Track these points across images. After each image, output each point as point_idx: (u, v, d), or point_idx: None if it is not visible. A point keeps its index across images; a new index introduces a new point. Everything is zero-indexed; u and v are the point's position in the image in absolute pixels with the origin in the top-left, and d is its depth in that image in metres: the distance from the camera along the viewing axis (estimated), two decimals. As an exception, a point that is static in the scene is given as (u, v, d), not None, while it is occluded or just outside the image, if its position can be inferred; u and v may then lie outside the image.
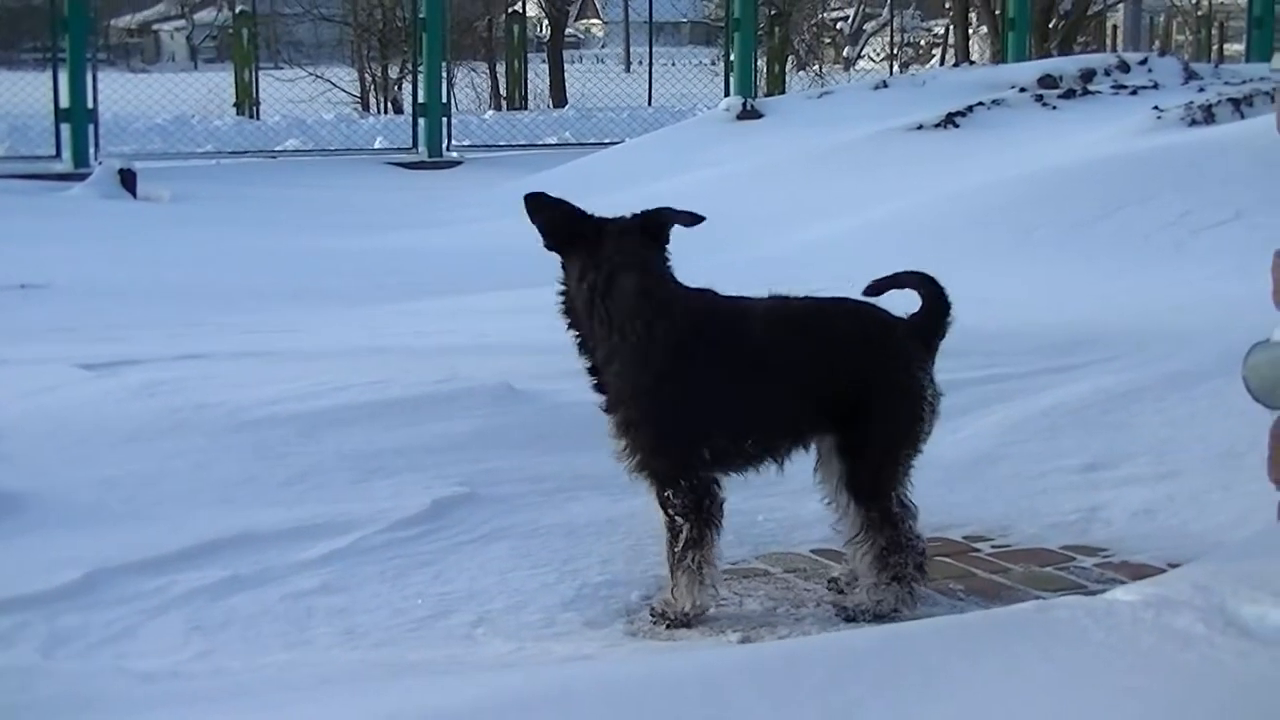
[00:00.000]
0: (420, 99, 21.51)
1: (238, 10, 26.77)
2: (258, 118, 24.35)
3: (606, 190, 15.60)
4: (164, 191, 16.84)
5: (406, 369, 7.16)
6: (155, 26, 62.05)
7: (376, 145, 22.13)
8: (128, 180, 17.01)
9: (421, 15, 21.40)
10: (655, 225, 4.98)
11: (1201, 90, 17.22)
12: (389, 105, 29.66)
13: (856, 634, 4.56)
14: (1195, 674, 3.69)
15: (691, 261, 11.57)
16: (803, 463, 6.26)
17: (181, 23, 58.58)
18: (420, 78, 21.69)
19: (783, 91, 25.81)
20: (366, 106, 30.05)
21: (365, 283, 11.17)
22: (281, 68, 30.95)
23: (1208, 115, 14.65)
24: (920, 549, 4.90)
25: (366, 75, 30.65)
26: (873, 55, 43.63)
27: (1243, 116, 14.43)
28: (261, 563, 5.18)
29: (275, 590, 5.00)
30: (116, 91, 23.23)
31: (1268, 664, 3.73)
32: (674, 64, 34.11)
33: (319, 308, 9.98)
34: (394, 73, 29.55)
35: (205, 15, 52.19)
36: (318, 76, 29.86)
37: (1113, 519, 5.69)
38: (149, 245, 13.09)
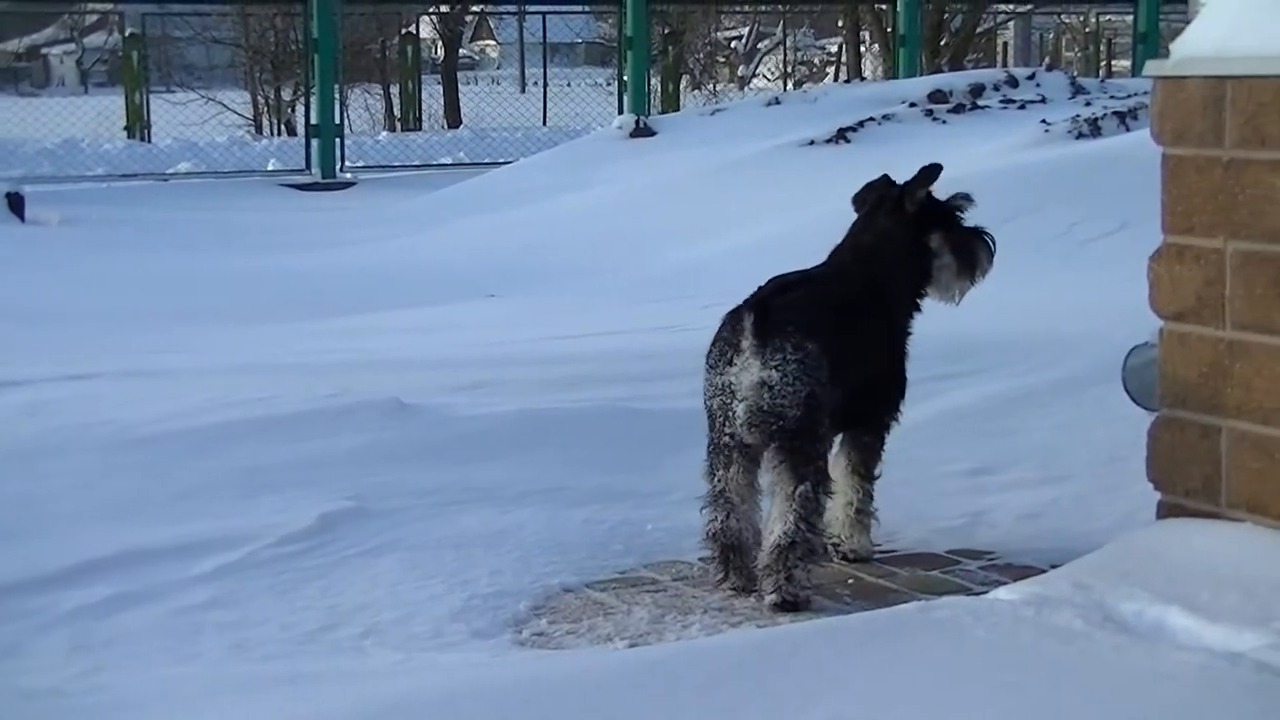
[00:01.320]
0: (313, 120, 21.43)
1: (128, 33, 26.57)
2: (149, 141, 24.17)
3: (500, 208, 15.64)
4: (53, 215, 16.68)
5: (296, 385, 7.13)
6: (44, 50, 61.44)
7: (270, 167, 22.02)
8: (15, 204, 16.82)
9: (314, 37, 21.33)
10: None
11: (1088, 104, 17.41)
12: (282, 127, 29.52)
13: (738, 636, 4.60)
14: (1072, 668, 3.75)
15: (586, 280, 11.61)
16: (692, 471, 6.32)
17: (71, 46, 58.05)
18: (313, 99, 21.61)
19: (677, 110, 25.88)
20: (260, 129, 29.90)
21: (257, 303, 11.11)
22: (174, 91, 30.70)
23: (1094, 128, 14.83)
24: None
25: (259, 97, 30.50)
26: (767, 74, 43.85)
27: (1128, 129, 14.61)
28: (149, 579, 5.15)
29: (163, 606, 4.97)
30: (4, 115, 23.01)
31: (1142, 657, 3.80)
32: (569, 84, 34.18)
33: (209, 328, 9.92)
34: (287, 95, 29.41)
35: (95, 39, 51.69)
36: (210, 99, 29.67)
37: (998, 522, 5.75)
38: (37, 268, 12.96)
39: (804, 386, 4.94)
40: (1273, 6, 4.58)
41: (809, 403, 4.95)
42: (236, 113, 29.89)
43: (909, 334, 5.58)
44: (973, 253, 5.68)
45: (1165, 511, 4.95)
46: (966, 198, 5.64)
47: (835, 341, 5.05)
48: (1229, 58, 4.64)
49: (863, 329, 5.29)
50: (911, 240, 5.60)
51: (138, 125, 24.58)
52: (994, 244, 5.75)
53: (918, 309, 5.61)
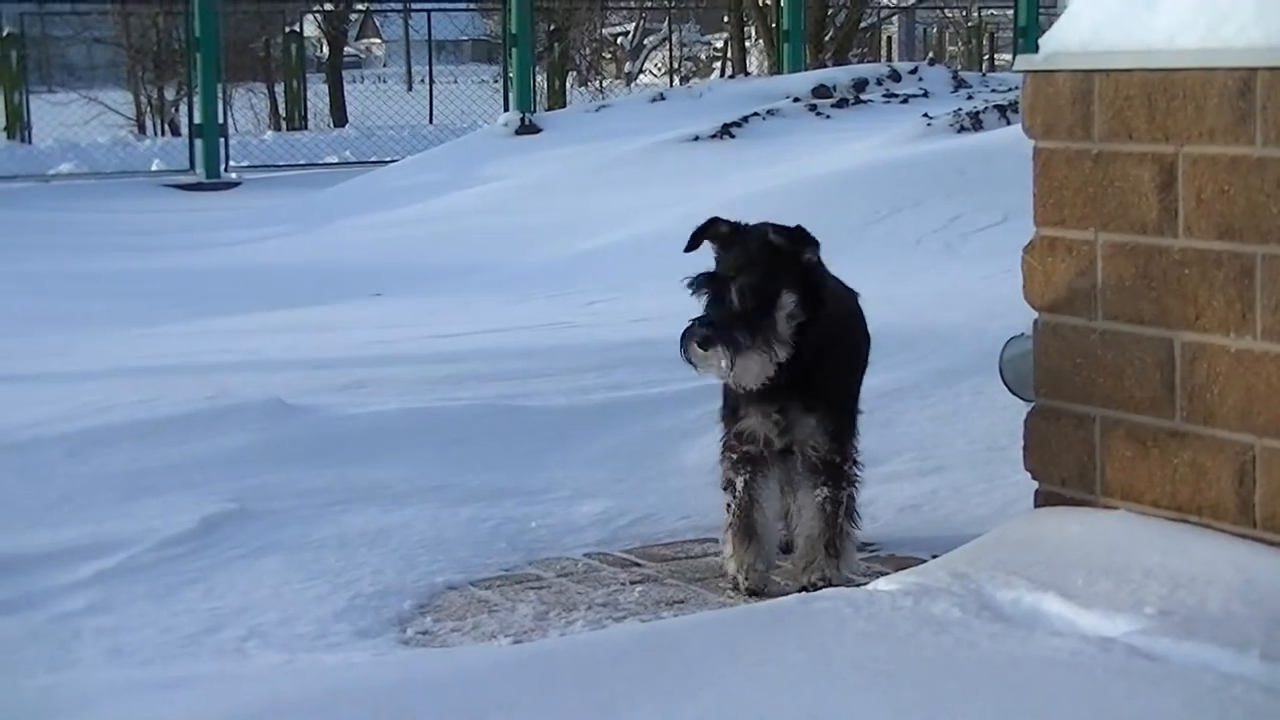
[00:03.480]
0: (196, 120, 21.26)
1: (5, 33, 26.23)
2: (29, 142, 23.90)
3: (386, 207, 15.59)
4: (-69, 217, 16.46)
5: (176, 387, 7.08)
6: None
7: (154, 168, 21.80)
8: (-107, 207, 16.60)
9: (196, 35, 21.15)
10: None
11: (970, 98, 17.60)
12: (166, 127, 29.24)
13: (619, 630, 4.62)
14: (948, 656, 3.79)
15: (470, 277, 11.58)
16: (575, 468, 6.34)
17: (-50, 47, 57.22)
18: (196, 99, 21.43)
19: (564, 106, 25.87)
20: (143, 129, 29.60)
21: (137, 305, 11.02)
22: (54, 91, 30.35)
23: (975, 122, 14.98)
24: None
25: (142, 97, 30.19)
26: (654, 70, 43.89)
27: (1009, 123, 14.75)
28: (25, 586, 5.09)
29: (40, 613, 4.92)
30: (-119, 117, 22.67)
31: (1018, 644, 3.85)
32: (456, 81, 34.06)
33: (88, 331, 9.81)
34: (170, 94, 29.13)
35: (-26, 39, 50.98)
36: (92, 99, 29.34)
37: (879, 514, 5.79)
38: (-90, 272, 12.80)
39: None
40: (1137, 2, 4.65)
41: None
42: (119, 113, 29.58)
43: None
44: None
45: (1041, 500, 5.01)
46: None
47: None
48: (1096, 52, 4.71)
49: None
50: None
51: (17, 126, 24.29)
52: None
53: None
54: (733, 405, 5.16)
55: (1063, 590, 4.17)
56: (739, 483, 5.15)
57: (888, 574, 4.62)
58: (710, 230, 5.02)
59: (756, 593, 5.07)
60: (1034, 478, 5.06)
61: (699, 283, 4.92)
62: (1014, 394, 5.22)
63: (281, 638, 4.76)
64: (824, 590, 4.55)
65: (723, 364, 4.83)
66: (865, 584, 4.59)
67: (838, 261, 5.74)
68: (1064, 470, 4.92)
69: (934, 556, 4.76)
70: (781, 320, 4.90)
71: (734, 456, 5.16)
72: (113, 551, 5.37)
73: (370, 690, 3.65)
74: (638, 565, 5.41)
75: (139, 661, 4.56)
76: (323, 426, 6.60)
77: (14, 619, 4.87)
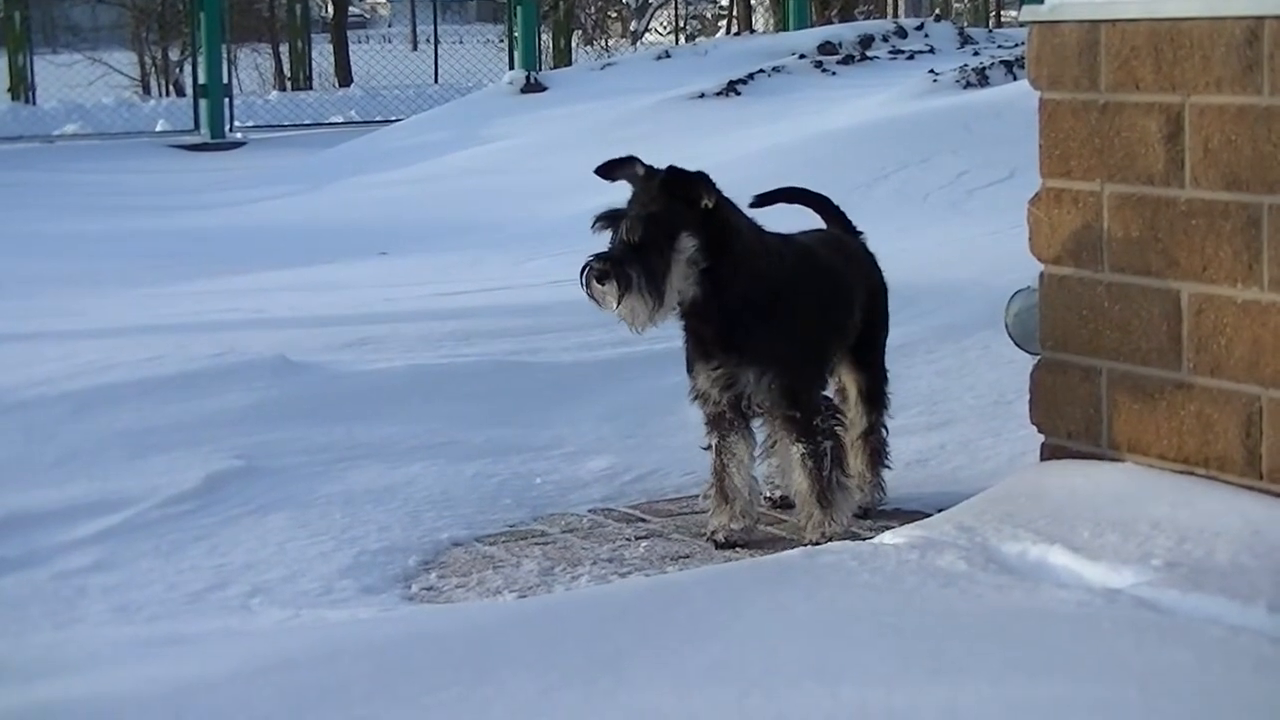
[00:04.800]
0: (201, 81, 21.20)
1: (10, -6, 26.15)
2: (34, 103, 23.82)
3: (391, 166, 15.54)
4: (-64, 178, 16.44)
5: (181, 345, 7.07)
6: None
7: (158, 128, 21.73)
8: (-102, 168, 16.57)
9: (200, -5, 21.08)
10: None
11: (976, 54, 17.52)
12: (171, 88, 29.14)
13: (624, 585, 4.61)
14: (954, 609, 3.79)
15: (476, 236, 11.55)
16: (581, 424, 6.33)
17: (-47, 9, 57.11)
18: (200, 59, 21.37)
19: (569, 65, 25.78)
20: (147, 89, 29.50)
21: (144, 265, 10.98)
22: (59, 52, 30.24)
23: (981, 78, 14.90)
24: None
25: (146, 58, 30.10)
26: (659, 29, 43.71)
27: (1015, 78, 14.68)
28: (31, 544, 5.10)
29: (45, 570, 4.93)
30: (-114, 79, 22.62)
31: (1023, 596, 3.84)
32: (461, 41, 33.90)
33: (96, 290, 9.79)
34: (175, 55, 29.03)
35: (-22, 1, 50.88)
36: (96, 60, 29.25)
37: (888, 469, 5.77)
38: (-82, 232, 12.77)
39: None
40: (1144, -50, 4.62)
41: None
42: (123, 74, 29.50)
43: None
44: None
45: (1048, 453, 5.00)
46: None
47: None
48: (1102, 2, 4.67)
49: None
50: None
51: (21, 87, 24.20)
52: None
53: None
54: (688, 364, 5.16)
55: (1069, 543, 4.17)
56: (713, 444, 5.17)
57: (894, 527, 4.61)
58: (627, 168, 4.98)
59: (732, 547, 5.09)
60: (1040, 431, 5.05)
61: (601, 219, 4.89)
62: (1020, 348, 5.20)
63: (286, 594, 4.76)
64: (829, 544, 4.54)
65: (611, 300, 4.81)
66: (871, 538, 4.58)
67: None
68: (1070, 423, 4.91)
69: (940, 510, 4.75)
70: (679, 263, 4.87)
71: (704, 418, 5.17)
72: (118, 509, 5.37)
73: (375, 645, 3.65)
74: (643, 520, 5.40)
75: (144, 619, 4.56)
76: (328, 384, 6.59)
77: (19, 576, 4.88)
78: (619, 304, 4.81)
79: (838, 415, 5.16)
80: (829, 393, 5.33)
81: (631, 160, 4.98)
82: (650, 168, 4.95)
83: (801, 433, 5.04)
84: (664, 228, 4.84)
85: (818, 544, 4.82)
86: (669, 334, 5.48)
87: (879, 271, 5.56)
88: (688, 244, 4.87)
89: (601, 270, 4.79)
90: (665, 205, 4.85)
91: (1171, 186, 4.55)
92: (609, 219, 4.87)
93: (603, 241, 4.87)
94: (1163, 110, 4.55)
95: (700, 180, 4.89)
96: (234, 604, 4.70)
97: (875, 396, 5.50)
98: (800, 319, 5.09)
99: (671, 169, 4.92)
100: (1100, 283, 4.77)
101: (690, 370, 5.14)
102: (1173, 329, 4.58)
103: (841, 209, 5.71)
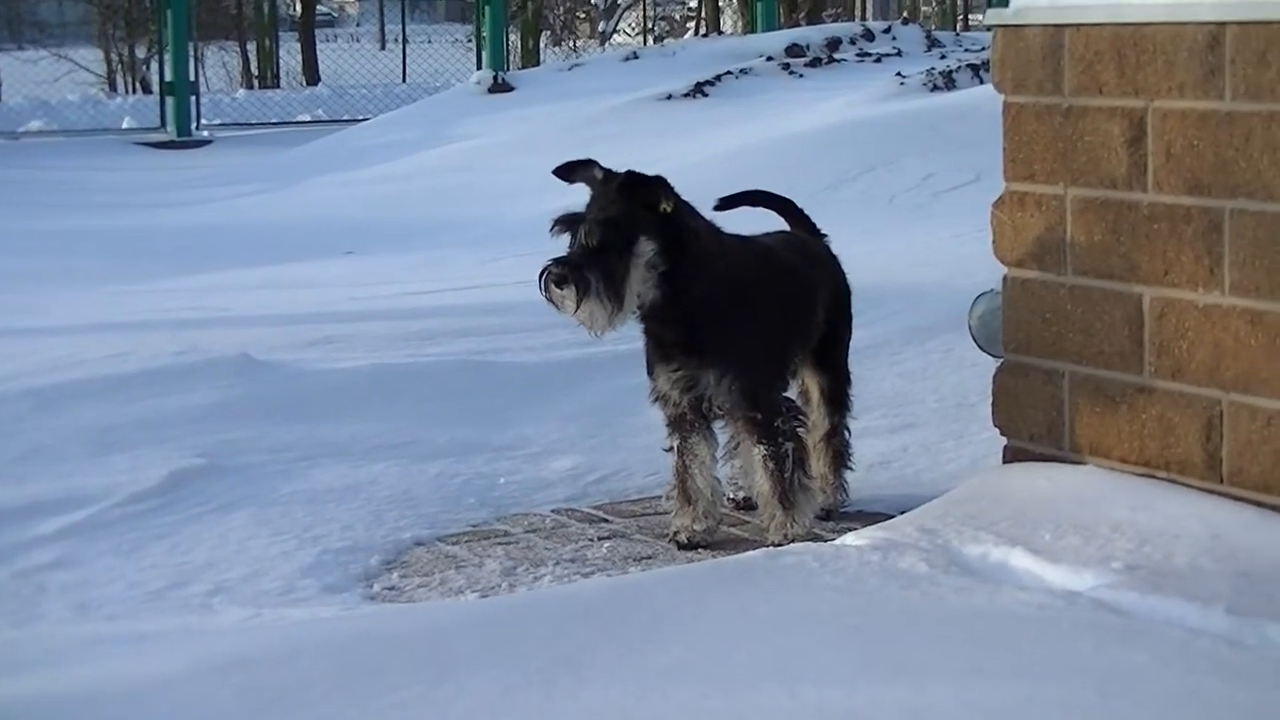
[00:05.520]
0: (167, 78, 21.13)
1: (-25, -10, 26.06)
2: (-1, 99, 23.76)
3: (358, 165, 15.50)
4: (-100, 174, 16.35)
5: (145, 343, 7.04)
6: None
7: (124, 126, 21.66)
8: None
9: (167, -8, 21.01)
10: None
11: (943, 57, 17.57)
12: (137, 85, 29.05)
13: (587, 585, 4.61)
14: (915, 611, 3.79)
15: (442, 235, 11.52)
16: (546, 424, 6.33)
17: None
18: (167, 57, 21.30)
19: (538, 65, 25.76)
20: (114, 87, 29.40)
21: (109, 262, 10.94)
22: (24, 48, 30.11)
23: (948, 81, 14.94)
24: None
25: (113, 55, 29.99)
26: (628, 30, 43.71)
27: (982, 82, 14.72)
28: (-9, 541, 5.08)
29: (4, 568, 4.92)
30: None
31: (985, 598, 3.85)
32: (429, 41, 33.86)
33: (61, 287, 9.75)
34: (141, 52, 28.93)
35: (-56, -4, 50.65)
36: (62, 56, 29.14)
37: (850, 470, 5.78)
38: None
39: None
40: (1108, -46, 4.63)
41: None
42: (89, 70, 29.40)
43: None
44: None
45: (1010, 456, 5.02)
46: None
47: None
48: (1066, 6, 4.69)
49: None
50: None
51: (-14, 84, 24.11)
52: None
53: None
54: (648, 366, 5.16)
55: (1030, 545, 4.18)
56: (675, 446, 5.17)
57: (856, 529, 4.62)
58: (585, 171, 4.97)
59: (695, 548, 5.09)
60: (1002, 434, 5.06)
61: (560, 222, 4.87)
62: (983, 350, 5.22)
63: (248, 593, 4.75)
64: (792, 545, 4.55)
65: (570, 304, 4.80)
66: (833, 539, 4.58)
67: (813, 219, 5.73)
68: (1033, 426, 4.93)
69: (903, 513, 4.76)
70: (639, 267, 4.86)
71: (666, 419, 5.17)
72: (80, 506, 5.35)
73: (335, 644, 3.64)
74: (606, 521, 5.40)
75: (104, 616, 4.55)
76: (292, 382, 6.58)
77: (-22, 574, 4.86)
78: (578, 308, 4.80)
79: (800, 417, 5.16)
80: (791, 394, 5.34)
81: (589, 163, 4.98)
82: (609, 171, 4.94)
83: (763, 434, 5.04)
84: (622, 232, 4.83)
85: (780, 545, 4.82)
86: (633, 335, 5.49)
87: (842, 273, 5.57)
88: (646, 248, 4.87)
89: (560, 275, 4.79)
90: (623, 209, 4.85)
91: (1134, 190, 4.56)
92: (567, 222, 4.86)
93: (562, 245, 4.87)
94: (1125, 115, 4.57)
95: (658, 184, 4.89)
96: (195, 602, 4.69)
97: (838, 398, 5.51)
98: (760, 321, 5.08)
99: (629, 173, 4.92)
100: (1063, 286, 4.78)
101: (650, 372, 5.14)
102: (1134, 332, 4.60)
103: (805, 211, 5.71)
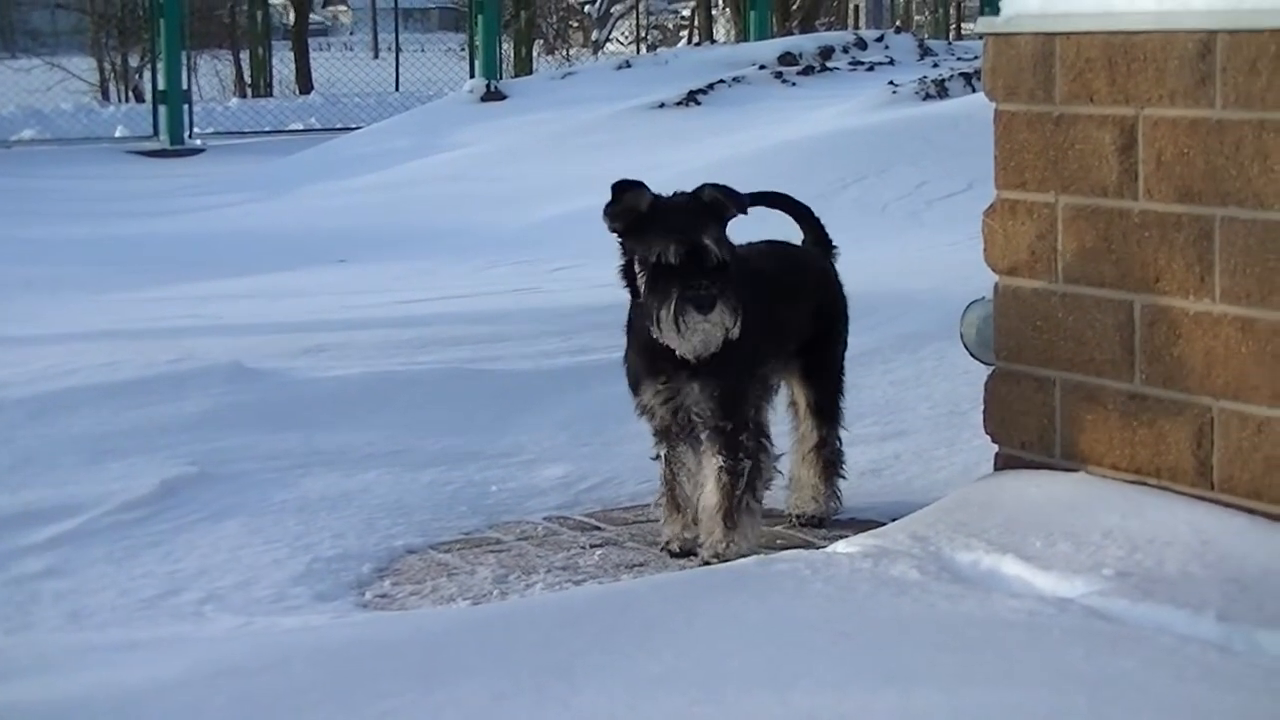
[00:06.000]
0: (160, 87, 21.13)
1: (-32, -2, 26.05)
2: (-8, 108, 23.73)
3: (351, 174, 15.51)
4: (-107, 183, 16.34)
5: (138, 351, 7.06)
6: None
7: (117, 134, 21.66)
8: None
9: (160, 1, 21.02)
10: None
11: (936, 66, 17.60)
12: (130, 94, 29.06)
13: (578, 593, 4.62)
14: (907, 617, 3.80)
15: (435, 244, 11.52)
16: (538, 432, 6.33)
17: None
18: (160, 65, 21.30)
19: (530, 74, 25.78)
20: (107, 95, 29.42)
21: (103, 270, 10.94)
22: (17, 57, 30.12)
23: (941, 90, 14.97)
24: None
25: (106, 64, 30.00)
26: (621, 38, 43.76)
27: (975, 90, 14.74)
28: (-16, 548, 5.08)
29: (-3, 576, 4.92)
30: None
31: (976, 605, 3.86)
32: (423, 49, 33.94)
33: (54, 296, 9.76)
34: (134, 61, 28.94)
35: (-63, 5, 50.62)
36: (55, 65, 29.15)
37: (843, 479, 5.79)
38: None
39: None
40: (1098, -37, 4.64)
41: None
42: (82, 79, 29.40)
43: None
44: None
45: (1002, 463, 5.02)
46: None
47: None
48: (1057, 14, 4.70)
49: None
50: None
51: (-21, 92, 24.10)
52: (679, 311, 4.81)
53: None
54: (634, 380, 5.12)
55: (1021, 552, 4.19)
56: (663, 455, 5.17)
57: (848, 536, 4.62)
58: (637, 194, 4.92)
59: (686, 555, 5.08)
60: (994, 441, 5.07)
61: (662, 239, 4.79)
62: (975, 358, 5.22)
63: (239, 601, 4.76)
64: (783, 553, 4.55)
65: (727, 329, 4.79)
66: (825, 546, 4.59)
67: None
68: (1024, 434, 4.93)
69: (894, 520, 4.76)
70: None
71: (653, 430, 5.17)
72: (72, 514, 5.36)
73: (326, 652, 3.65)
74: (598, 529, 5.41)
75: (96, 624, 4.56)
76: (284, 390, 6.59)
77: (-29, 582, 4.86)
78: (728, 332, 4.85)
79: (765, 440, 5.15)
80: (780, 404, 5.34)
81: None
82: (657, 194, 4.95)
83: (725, 447, 5.01)
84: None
85: (708, 564, 4.83)
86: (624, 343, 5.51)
87: (834, 285, 5.56)
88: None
89: (709, 297, 4.79)
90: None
91: (1125, 198, 4.57)
92: (674, 234, 4.84)
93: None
94: (1116, 123, 4.58)
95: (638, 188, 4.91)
96: (187, 610, 4.70)
97: (827, 410, 5.49)
98: (757, 330, 5.06)
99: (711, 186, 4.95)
100: (1054, 294, 4.79)
101: (636, 387, 5.11)
102: (1125, 340, 4.61)
103: (820, 221, 5.70)
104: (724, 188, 4.94)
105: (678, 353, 4.86)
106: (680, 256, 4.78)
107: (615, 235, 4.96)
